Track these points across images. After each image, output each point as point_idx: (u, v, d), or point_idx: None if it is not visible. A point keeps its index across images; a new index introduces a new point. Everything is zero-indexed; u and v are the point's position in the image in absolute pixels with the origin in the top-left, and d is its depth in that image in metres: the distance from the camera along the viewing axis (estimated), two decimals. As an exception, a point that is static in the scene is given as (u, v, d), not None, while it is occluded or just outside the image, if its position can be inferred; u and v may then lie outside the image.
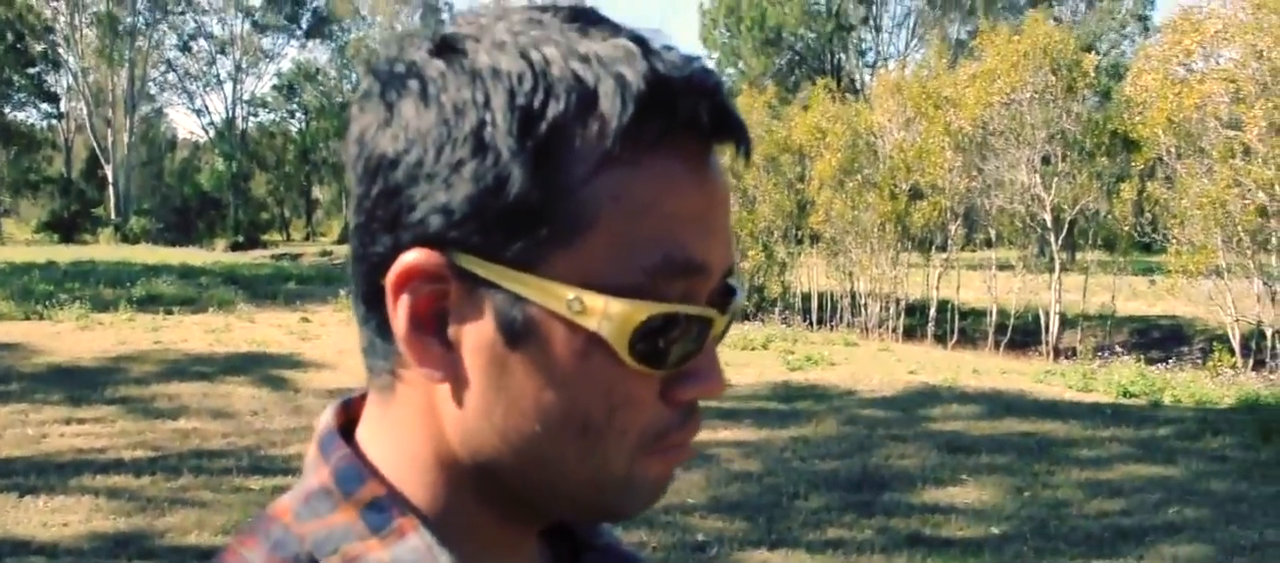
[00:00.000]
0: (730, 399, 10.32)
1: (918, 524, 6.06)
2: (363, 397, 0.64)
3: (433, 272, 0.55)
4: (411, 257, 0.54)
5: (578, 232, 0.53)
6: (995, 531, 5.99)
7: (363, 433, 0.62)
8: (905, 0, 48.97)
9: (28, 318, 15.09)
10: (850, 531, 5.95)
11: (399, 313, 0.55)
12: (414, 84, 0.55)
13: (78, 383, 10.16)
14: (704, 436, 8.50)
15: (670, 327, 0.55)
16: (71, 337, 13.52)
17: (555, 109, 0.53)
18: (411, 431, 0.59)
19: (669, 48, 0.56)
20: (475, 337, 0.55)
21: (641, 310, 0.54)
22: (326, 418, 0.63)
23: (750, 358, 13.47)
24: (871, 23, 48.34)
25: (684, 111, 0.54)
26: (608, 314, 0.54)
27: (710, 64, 0.57)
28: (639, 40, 0.55)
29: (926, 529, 5.98)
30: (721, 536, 5.82)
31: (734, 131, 0.57)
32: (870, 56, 49.37)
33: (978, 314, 19.78)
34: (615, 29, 0.56)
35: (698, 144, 0.56)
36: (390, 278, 0.55)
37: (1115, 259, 19.41)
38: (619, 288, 0.54)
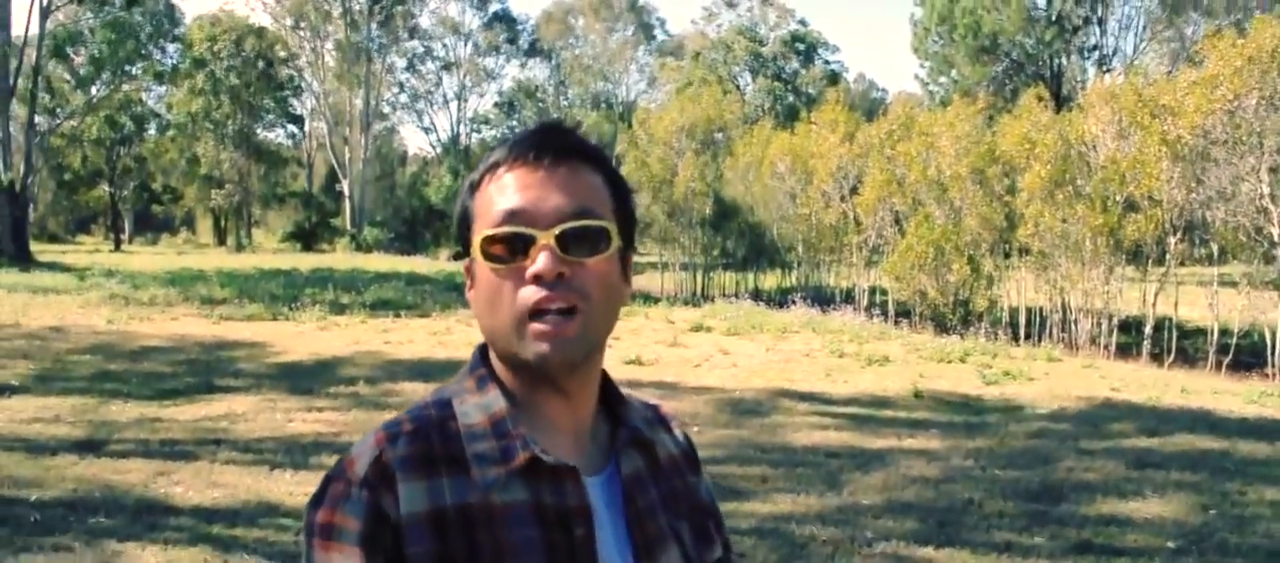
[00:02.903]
0: (919, 410, 10.43)
1: (1090, 534, 6.11)
2: None
3: (467, 264, 1.15)
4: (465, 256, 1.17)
5: (476, 219, 1.12)
6: (1170, 544, 5.96)
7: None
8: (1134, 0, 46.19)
9: (275, 319, 16.81)
10: (1020, 536, 6.07)
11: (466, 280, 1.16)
12: (467, 184, 1.16)
13: (317, 377, 11.37)
14: (886, 443, 8.71)
15: (501, 242, 1.08)
16: (312, 336, 15.01)
17: (480, 174, 1.14)
18: None
19: (559, 120, 1.14)
20: (474, 284, 1.13)
21: (482, 235, 1.09)
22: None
23: (944, 371, 13.43)
24: (1095, 20, 45.84)
25: (519, 147, 1.11)
26: (475, 245, 1.10)
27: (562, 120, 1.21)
28: (541, 124, 1.11)
29: (1098, 539, 6.02)
30: (890, 533, 6.06)
31: (556, 149, 1.10)
32: (1095, 56, 46.85)
33: (1200, 332, 18.78)
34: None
35: (534, 160, 1.10)
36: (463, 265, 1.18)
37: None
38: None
